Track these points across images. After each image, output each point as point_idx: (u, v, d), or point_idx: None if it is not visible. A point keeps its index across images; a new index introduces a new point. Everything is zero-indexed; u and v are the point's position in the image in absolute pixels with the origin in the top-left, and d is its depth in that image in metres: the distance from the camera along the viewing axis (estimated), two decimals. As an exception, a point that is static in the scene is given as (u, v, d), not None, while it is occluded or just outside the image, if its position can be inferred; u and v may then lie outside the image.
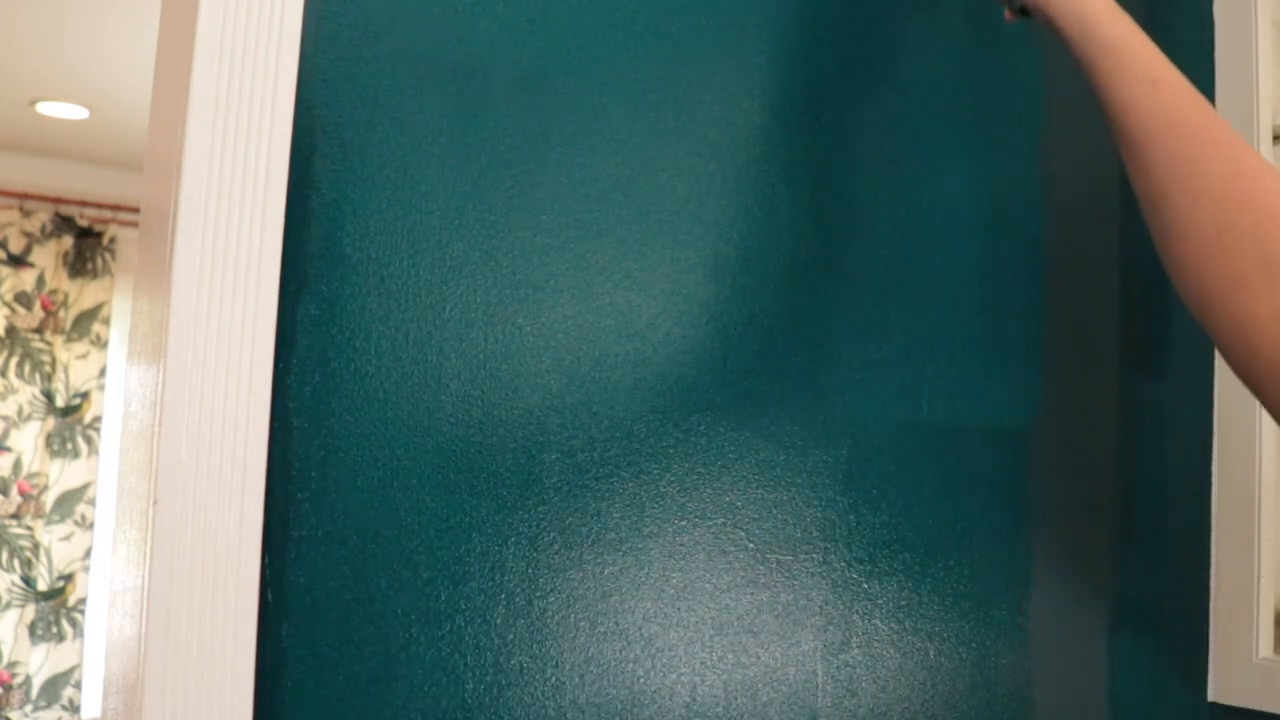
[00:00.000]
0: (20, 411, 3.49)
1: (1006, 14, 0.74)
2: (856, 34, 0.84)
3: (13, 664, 3.42)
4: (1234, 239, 0.57)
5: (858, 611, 0.81)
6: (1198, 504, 1.03)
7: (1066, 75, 0.96)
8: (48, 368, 3.53)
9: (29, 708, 3.44)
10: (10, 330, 3.49)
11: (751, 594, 0.77)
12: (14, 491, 3.46)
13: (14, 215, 3.51)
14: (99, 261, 3.65)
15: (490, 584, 0.67)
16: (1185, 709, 1.00)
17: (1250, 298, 0.56)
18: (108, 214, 3.68)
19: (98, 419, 3.63)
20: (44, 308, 3.55)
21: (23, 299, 3.52)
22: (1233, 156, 0.59)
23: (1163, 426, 1.01)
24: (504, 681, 0.67)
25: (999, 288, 0.90)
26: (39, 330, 3.53)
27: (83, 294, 3.62)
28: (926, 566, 0.85)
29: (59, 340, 3.56)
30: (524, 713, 0.68)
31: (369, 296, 0.64)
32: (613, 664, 0.71)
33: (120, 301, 3.70)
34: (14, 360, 3.48)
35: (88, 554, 3.57)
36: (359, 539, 0.63)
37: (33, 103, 3.04)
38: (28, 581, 3.46)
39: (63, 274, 3.59)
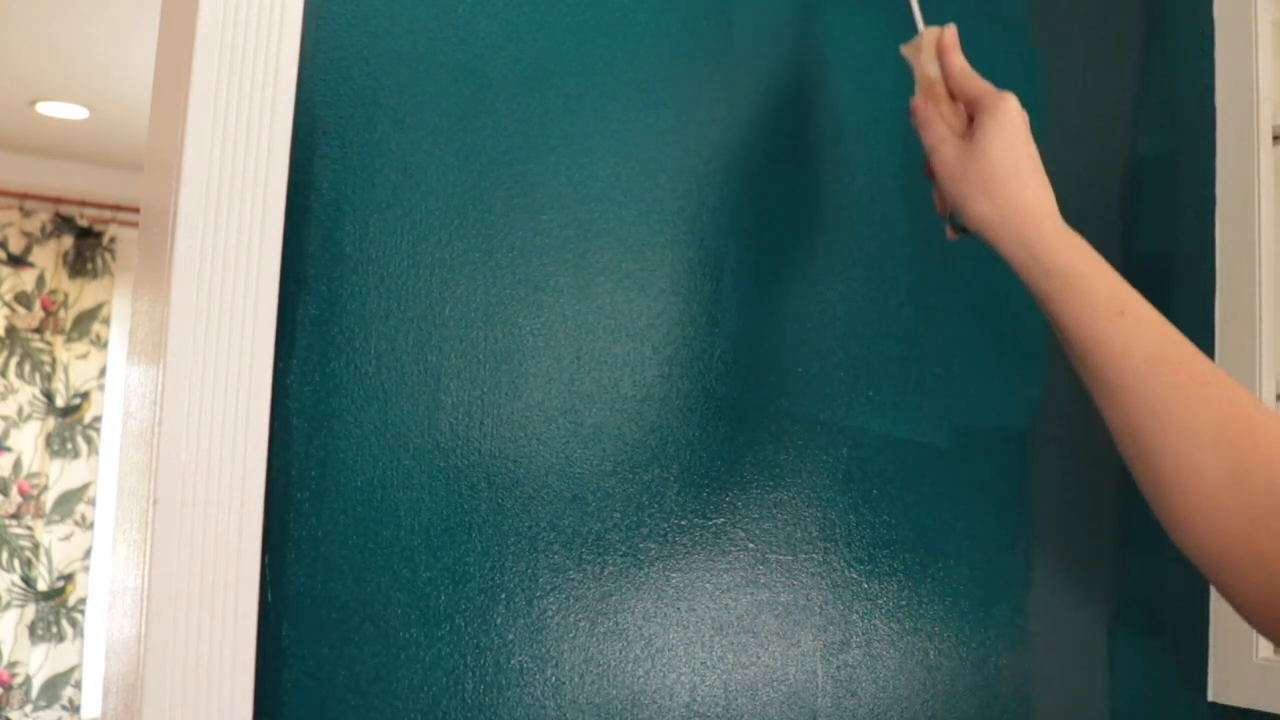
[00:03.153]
0: (20, 411, 3.49)
1: (949, 230, 0.69)
2: (854, 35, 0.84)
3: (13, 664, 3.42)
4: (1244, 481, 0.52)
5: (858, 611, 0.81)
6: (1198, 504, 1.03)
7: (1066, 75, 0.96)
8: (48, 368, 3.53)
9: (29, 708, 3.44)
10: (10, 330, 3.49)
11: (751, 594, 0.77)
12: (14, 491, 3.46)
13: (14, 215, 3.51)
14: (99, 261, 3.66)
15: (490, 584, 0.67)
16: (1185, 709, 1.00)
17: (1268, 536, 0.51)
18: (108, 214, 3.69)
19: (98, 419, 3.63)
20: (44, 308, 3.55)
21: (23, 299, 3.52)
22: (1227, 396, 0.54)
23: (1163, 426, 1.01)
24: (504, 681, 0.67)
25: (999, 287, 0.90)
26: (39, 330, 3.53)
27: (83, 294, 3.62)
28: (926, 566, 0.85)
29: (59, 340, 3.56)
30: (524, 713, 0.68)
31: (369, 296, 0.64)
32: (613, 664, 0.71)
33: (120, 301, 3.70)
34: (14, 360, 3.48)
35: (88, 554, 3.58)
36: (359, 539, 0.63)
37: (33, 103, 3.04)
38: (28, 581, 3.46)
39: (63, 274, 3.59)
